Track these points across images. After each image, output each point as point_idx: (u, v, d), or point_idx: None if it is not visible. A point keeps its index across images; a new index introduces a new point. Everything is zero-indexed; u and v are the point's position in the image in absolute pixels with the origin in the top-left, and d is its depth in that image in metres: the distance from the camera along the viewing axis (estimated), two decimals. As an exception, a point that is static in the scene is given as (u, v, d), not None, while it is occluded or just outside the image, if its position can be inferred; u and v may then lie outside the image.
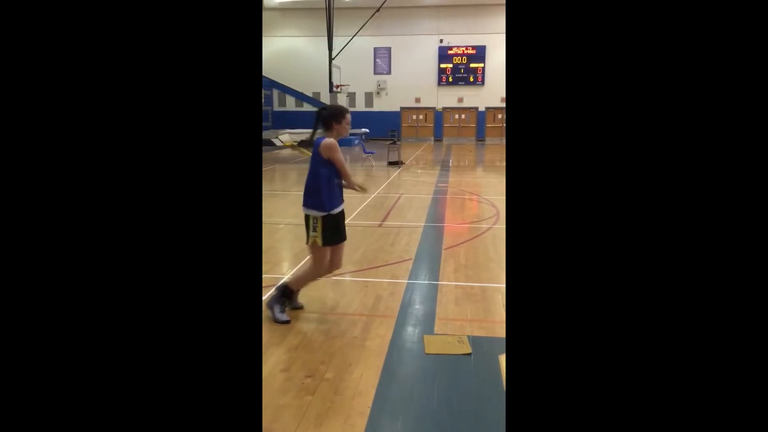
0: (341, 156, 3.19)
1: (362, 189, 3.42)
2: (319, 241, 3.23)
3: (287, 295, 3.46)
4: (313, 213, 3.23)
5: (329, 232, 3.25)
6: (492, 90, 25.37)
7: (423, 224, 6.57)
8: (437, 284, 4.28)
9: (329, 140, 3.16)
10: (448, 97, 25.93)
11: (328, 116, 3.22)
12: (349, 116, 3.27)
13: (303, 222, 3.33)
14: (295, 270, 3.54)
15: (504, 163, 15.21)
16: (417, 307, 3.78)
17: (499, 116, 25.79)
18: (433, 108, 26.12)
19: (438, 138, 26.05)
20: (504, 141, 24.84)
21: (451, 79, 25.71)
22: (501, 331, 3.33)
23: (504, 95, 25.22)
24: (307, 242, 3.30)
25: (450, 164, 14.94)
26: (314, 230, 3.21)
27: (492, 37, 24.80)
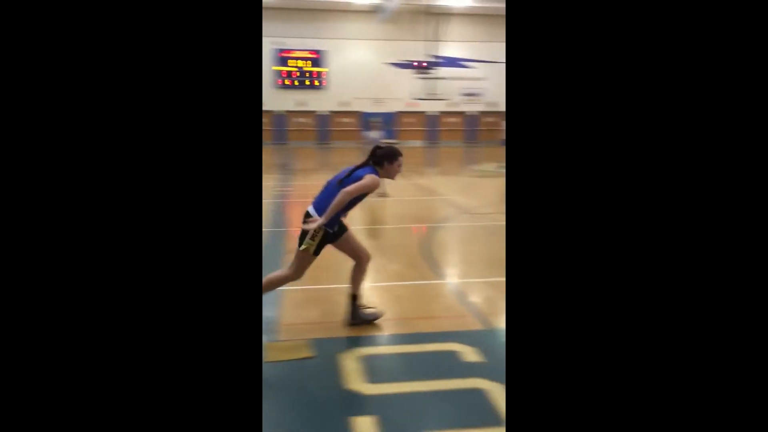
0: (359, 189, 3.12)
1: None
2: (312, 250, 3.20)
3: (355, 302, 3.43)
4: (320, 220, 3.15)
5: (322, 244, 3.22)
6: (335, 94, 25.75)
7: (265, 230, 6.43)
8: (281, 289, 4.21)
9: (375, 179, 3.17)
10: (289, 101, 25.75)
11: (382, 155, 3.27)
12: (401, 159, 3.31)
13: None
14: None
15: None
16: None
17: (344, 120, 26.26)
18: (272, 111, 25.75)
19: (282, 141, 25.74)
20: (347, 144, 25.39)
21: (297, 83, 25.58)
22: (341, 332, 3.39)
23: (343, 99, 25.79)
24: (299, 247, 3.22)
25: (292, 168, 14.83)
26: (312, 239, 3.17)
27: (333, 42, 25.18)
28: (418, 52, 25.41)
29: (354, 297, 3.47)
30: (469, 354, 3.04)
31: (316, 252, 3.25)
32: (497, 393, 2.58)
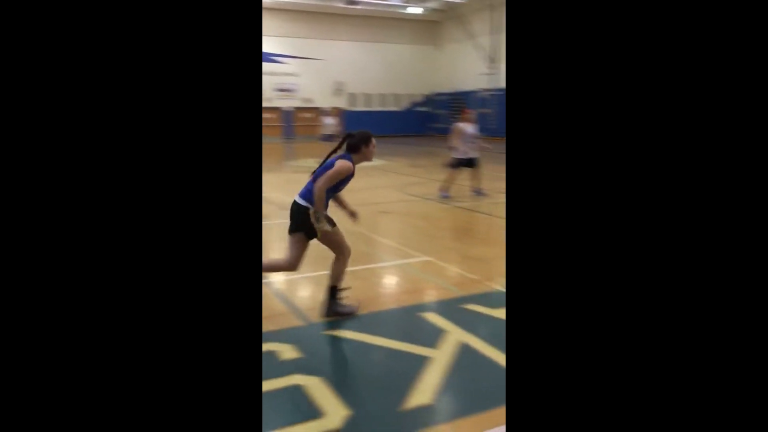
0: (331, 178, 3.23)
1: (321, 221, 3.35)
2: (328, 227, 3.29)
3: (336, 294, 3.53)
4: (311, 208, 3.27)
5: (327, 218, 3.30)
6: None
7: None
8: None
9: (345, 163, 3.28)
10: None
11: (358, 140, 3.39)
12: (374, 141, 3.48)
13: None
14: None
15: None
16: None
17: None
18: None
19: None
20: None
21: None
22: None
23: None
24: (317, 237, 3.34)
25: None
26: (318, 221, 3.25)
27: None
28: (226, 46, 24.52)
29: (333, 289, 3.51)
30: (287, 351, 3.05)
31: (333, 223, 3.35)
32: (315, 387, 2.63)
